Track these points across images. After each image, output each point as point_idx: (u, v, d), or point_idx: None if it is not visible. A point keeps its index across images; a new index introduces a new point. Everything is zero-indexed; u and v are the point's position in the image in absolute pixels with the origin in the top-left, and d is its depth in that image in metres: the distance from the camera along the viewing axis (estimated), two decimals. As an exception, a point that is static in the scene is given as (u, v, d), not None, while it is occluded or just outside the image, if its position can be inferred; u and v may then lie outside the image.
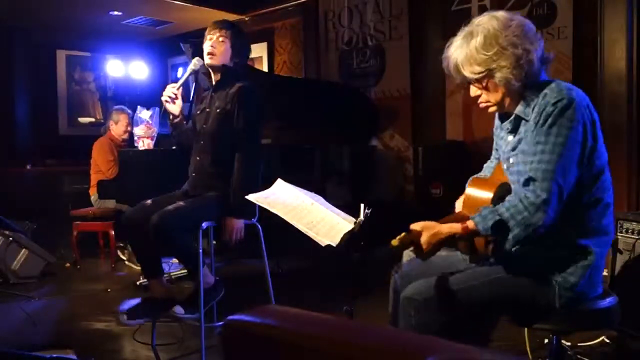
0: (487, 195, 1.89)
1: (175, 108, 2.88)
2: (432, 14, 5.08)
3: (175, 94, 2.86)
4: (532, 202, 1.64)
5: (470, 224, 1.71)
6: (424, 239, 1.72)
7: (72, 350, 2.73)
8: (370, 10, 5.54)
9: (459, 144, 4.84)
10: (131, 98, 6.31)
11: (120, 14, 6.38)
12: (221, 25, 2.85)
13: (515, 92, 1.78)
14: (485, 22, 1.76)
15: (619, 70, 3.94)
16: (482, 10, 4.70)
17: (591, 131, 1.72)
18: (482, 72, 1.75)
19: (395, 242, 1.69)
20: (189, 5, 5.98)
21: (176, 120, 2.92)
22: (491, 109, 1.86)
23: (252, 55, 6.55)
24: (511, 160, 1.82)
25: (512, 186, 1.83)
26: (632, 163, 3.94)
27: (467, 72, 1.77)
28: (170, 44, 7.01)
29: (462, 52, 1.77)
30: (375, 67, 5.57)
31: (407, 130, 5.33)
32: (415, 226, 1.74)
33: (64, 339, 3.07)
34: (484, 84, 1.79)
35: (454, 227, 1.73)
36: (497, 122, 2.00)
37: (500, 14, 1.78)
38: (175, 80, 2.95)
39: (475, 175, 2.07)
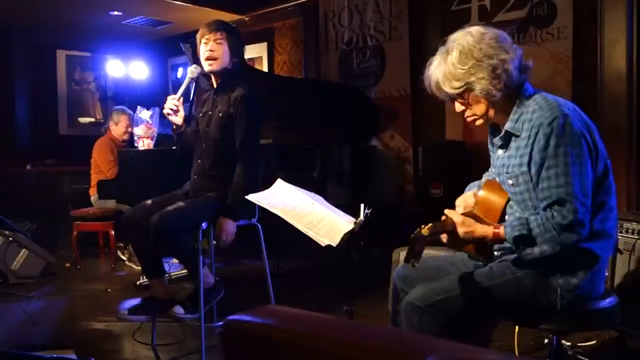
0: (501, 200, 1.89)
1: (178, 119, 2.86)
2: (432, 14, 5.08)
3: (177, 106, 2.82)
4: (558, 222, 1.65)
5: (501, 231, 1.75)
6: (460, 231, 1.78)
7: (72, 350, 2.73)
8: (370, 10, 5.54)
9: (458, 144, 4.84)
10: (131, 98, 6.31)
11: (120, 14, 6.37)
12: (216, 27, 2.79)
13: (497, 103, 1.81)
14: (459, 38, 1.81)
15: (619, 70, 3.94)
16: (482, 10, 4.70)
17: (591, 139, 1.73)
18: (462, 87, 1.79)
19: (425, 231, 1.72)
20: (189, 5, 5.98)
21: (180, 130, 2.90)
22: (478, 122, 1.89)
23: (252, 55, 6.61)
24: (510, 181, 1.83)
25: (515, 206, 1.84)
26: (632, 163, 3.94)
27: (448, 89, 1.81)
28: (170, 44, 7.00)
29: (440, 69, 1.82)
30: (375, 67, 5.56)
31: (407, 130, 5.33)
32: (453, 215, 1.80)
33: (64, 339, 3.07)
34: (466, 98, 1.83)
35: (487, 232, 1.77)
36: (489, 136, 2.00)
37: (474, 28, 1.83)
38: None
39: (488, 177, 2.07)
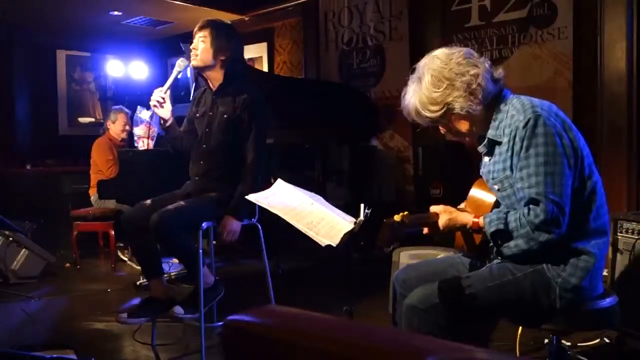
0: (491, 198, 1.92)
1: (164, 112, 2.83)
2: (432, 14, 5.08)
3: (163, 98, 2.82)
4: (531, 220, 1.68)
5: (481, 221, 1.79)
6: (441, 221, 1.84)
7: (72, 350, 2.73)
8: (370, 10, 5.54)
9: (459, 144, 4.83)
10: (131, 98, 6.30)
11: (120, 14, 6.37)
12: (202, 25, 2.83)
13: (479, 117, 1.84)
14: (428, 63, 1.85)
15: (619, 70, 3.94)
16: (482, 10, 4.70)
17: (568, 138, 1.74)
18: (441, 110, 1.82)
19: (397, 217, 1.78)
20: (189, 5, 5.97)
21: (167, 124, 2.87)
22: (465, 140, 1.94)
23: (252, 55, 6.60)
24: (496, 187, 1.86)
25: (503, 207, 1.86)
26: (632, 163, 3.93)
27: (427, 113, 1.84)
28: (170, 44, 7.00)
29: (416, 96, 1.85)
30: (375, 67, 5.56)
31: (407, 130, 5.32)
32: (435, 208, 1.87)
33: (64, 339, 3.07)
34: (448, 120, 1.86)
35: (467, 219, 1.84)
36: (477, 144, 2.02)
37: (440, 51, 1.87)
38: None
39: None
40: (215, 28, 2.82)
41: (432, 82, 1.81)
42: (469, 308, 1.78)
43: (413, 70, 1.90)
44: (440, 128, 1.92)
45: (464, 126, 1.87)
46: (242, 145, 2.82)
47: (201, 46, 2.79)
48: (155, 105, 2.81)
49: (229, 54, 2.82)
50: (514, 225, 1.71)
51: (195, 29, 2.84)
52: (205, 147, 2.87)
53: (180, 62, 2.89)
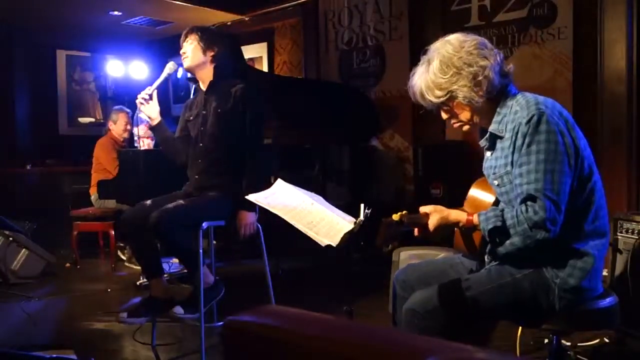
0: (490, 198, 1.93)
1: (149, 110, 2.90)
2: (432, 14, 5.08)
3: (150, 95, 2.88)
4: (530, 217, 1.67)
5: (475, 218, 1.78)
6: (432, 221, 1.81)
7: (72, 350, 2.73)
8: (370, 10, 5.54)
9: (459, 144, 4.83)
10: (131, 98, 6.27)
11: (120, 14, 6.37)
12: (186, 32, 2.93)
13: (481, 108, 1.84)
14: (440, 48, 1.84)
15: (619, 70, 3.94)
16: (482, 10, 4.70)
17: (570, 137, 1.74)
18: (445, 96, 1.82)
19: (396, 216, 1.77)
20: (189, 5, 5.98)
21: (155, 123, 2.93)
22: (465, 128, 1.92)
23: (252, 55, 6.60)
24: (496, 182, 1.85)
25: (502, 205, 1.87)
26: (632, 163, 3.93)
27: (432, 97, 1.85)
28: (170, 44, 6.98)
29: (423, 79, 1.85)
30: (375, 67, 5.56)
31: (407, 130, 5.33)
32: (425, 208, 1.84)
33: (64, 339, 3.07)
34: (450, 106, 1.86)
35: (460, 216, 1.82)
36: (479, 139, 2.02)
37: (454, 37, 1.85)
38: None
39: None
40: (200, 30, 2.91)
41: (439, 68, 1.80)
42: (469, 310, 1.78)
43: (425, 52, 1.89)
44: (442, 114, 1.91)
45: (465, 115, 1.87)
46: (239, 138, 2.83)
47: (190, 48, 2.87)
48: (141, 103, 2.88)
49: (218, 49, 2.90)
50: (511, 222, 1.70)
51: (181, 39, 2.91)
52: (202, 145, 2.89)
53: (170, 65, 2.95)
